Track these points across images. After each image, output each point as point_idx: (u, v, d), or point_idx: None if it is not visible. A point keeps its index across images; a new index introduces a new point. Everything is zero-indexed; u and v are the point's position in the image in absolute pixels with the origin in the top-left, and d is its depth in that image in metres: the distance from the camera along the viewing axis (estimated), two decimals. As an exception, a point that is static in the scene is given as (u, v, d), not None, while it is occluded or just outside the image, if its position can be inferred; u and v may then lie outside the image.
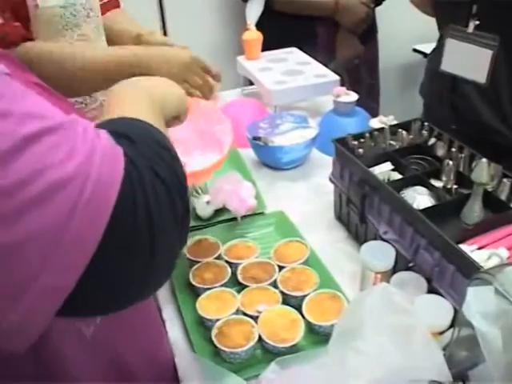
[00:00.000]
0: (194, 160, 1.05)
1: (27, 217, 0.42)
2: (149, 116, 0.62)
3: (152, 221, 0.50)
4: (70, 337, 0.67)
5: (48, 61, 1.10)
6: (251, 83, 1.97)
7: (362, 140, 1.21)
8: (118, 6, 1.60)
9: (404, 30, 2.97)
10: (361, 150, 1.18)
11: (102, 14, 1.39)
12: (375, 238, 1.09)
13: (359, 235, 1.19)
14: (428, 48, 2.98)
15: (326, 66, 1.88)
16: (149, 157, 0.53)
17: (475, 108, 1.51)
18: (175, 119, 0.84)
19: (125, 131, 0.54)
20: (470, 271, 0.86)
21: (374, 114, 2.31)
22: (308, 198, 1.40)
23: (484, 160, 0.99)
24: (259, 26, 1.98)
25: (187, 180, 0.60)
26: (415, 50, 3.06)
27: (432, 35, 3.08)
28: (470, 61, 1.44)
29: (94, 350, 0.71)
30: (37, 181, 0.42)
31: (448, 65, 1.50)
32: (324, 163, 1.46)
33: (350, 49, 2.27)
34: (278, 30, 2.04)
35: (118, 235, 0.48)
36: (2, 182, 0.41)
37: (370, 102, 2.29)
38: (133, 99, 0.68)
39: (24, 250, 0.42)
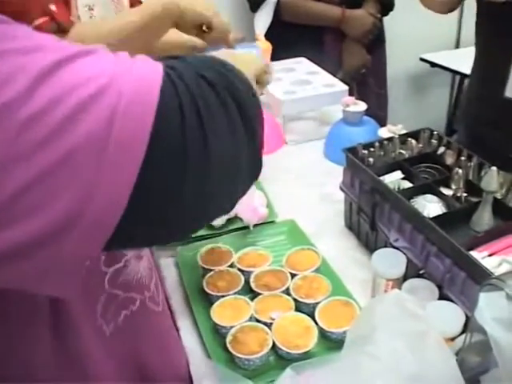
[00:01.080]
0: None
1: (68, 130, 0.41)
2: None
3: (202, 122, 0.48)
4: (89, 334, 0.67)
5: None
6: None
7: (372, 149, 1.23)
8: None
9: (411, 40, 3.00)
10: (371, 159, 1.20)
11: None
12: (386, 246, 1.11)
13: (370, 243, 1.21)
14: (434, 57, 3.02)
15: (333, 75, 1.90)
16: (196, 63, 0.52)
17: None
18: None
19: (174, 56, 0.54)
20: (480, 278, 0.87)
21: (382, 122, 2.34)
22: (318, 207, 1.41)
23: (494, 168, 1.00)
24: (266, 36, 2.00)
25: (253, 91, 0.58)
26: (422, 60, 3.08)
27: (439, 44, 3.12)
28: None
29: (112, 349, 0.72)
30: (71, 95, 0.42)
31: None
32: (334, 172, 1.47)
33: (356, 59, 2.29)
34: (285, 40, 2.05)
35: (166, 135, 0.46)
36: (31, 109, 0.41)
37: (378, 110, 2.30)
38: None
39: (68, 166, 0.42)
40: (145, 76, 0.47)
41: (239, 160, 0.55)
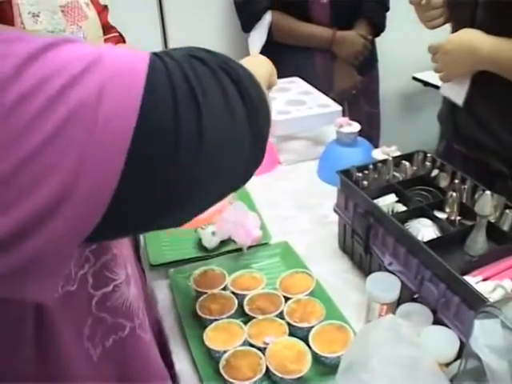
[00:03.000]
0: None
1: (57, 106, 0.42)
2: None
3: (196, 99, 0.47)
4: (75, 356, 0.67)
5: None
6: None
7: (366, 172, 1.23)
8: (121, 41, 1.63)
9: (404, 59, 3.01)
10: (365, 182, 1.19)
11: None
12: (380, 269, 1.10)
13: (364, 265, 1.21)
14: (427, 76, 3.03)
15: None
16: (188, 50, 0.52)
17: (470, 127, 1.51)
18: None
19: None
20: (475, 303, 0.87)
21: (375, 141, 2.35)
22: (312, 228, 1.41)
23: (488, 192, 1.01)
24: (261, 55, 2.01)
25: (249, 74, 0.56)
26: (415, 78, 3.10)
27: (431, 64, 3.13)
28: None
29: (99, 372, 0.71)
30: (58, 75, 0.42)
31: (442, 87, 1.53)
32: (328, 193, 1.46)
33: (347, 80, 2.30)
34: (277, 61, 2.05)
35: (157, 114, 0.45)
36: (20, 86, 0.41)
37: (370, 129, 2.31)
38: None
39: (60, 140, 0.42)
40: (132, 53, 0.47)
41: (239, 138, 0.54)
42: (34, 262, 0.44)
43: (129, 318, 0.77)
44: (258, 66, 0.74)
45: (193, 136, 0.47)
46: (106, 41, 1.55)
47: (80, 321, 0.68)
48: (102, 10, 1.61)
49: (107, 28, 1.61)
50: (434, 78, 3.02)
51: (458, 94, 1.45)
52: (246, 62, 0.61)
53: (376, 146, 1.78)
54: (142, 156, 0.45)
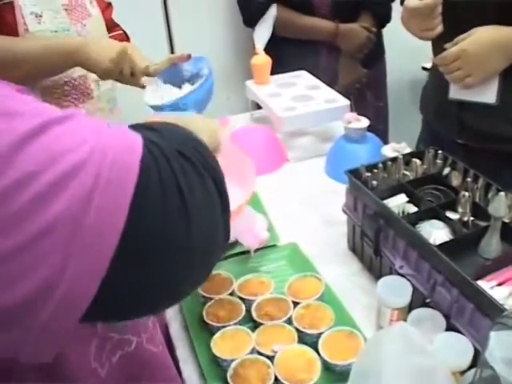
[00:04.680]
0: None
1: (44, 206, 0.40)
2: None
3: (183, 198, 0.48)
4: (84, 376, 0.66)
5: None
6: (260, 107, 1.97)
7: (376, 171, 1.20)
8: (125, 39, 1.61)
9: (412, 49, 2.96)
10: (374, 182, 1.16)
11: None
12: (390, 271, 1.08)
13: (374, 268, 1.18)
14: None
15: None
16: (172, 139, 0.52)
17: (488, 121, 1.49)
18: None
19: (149, 125, 0.54)
20: (489, 309, 0.84)
21: (383, 135, 2.31)
22: (321, 228, 1.38)
23: (502, 193, 0.98)
24: (265, 50, 1.98)
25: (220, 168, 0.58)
26: (424, 68, 3.05)
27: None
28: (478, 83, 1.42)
29: None
30: (47, 170, 0.41)
31: (456, 92, 1.48)
32: (336, 191, 1.43)
33: (351, 73, 2.26)
34: (281, 55, 2.03)
35: (148, 212, 0.46)
36: (7, 180, 0.39)
37: (377, 123, 2.27)
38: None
39: (43, 242, 0.40)
40: (124, 148, 0.46)
41: (217, 233, 0.56)
42: (25, 340, 0.44)
43: (135, 333, 0.76)
44: (203, 130, 0.74)
45: (181, 231, 0.48)
46: (110, 38, 1.53)
47: (86, 342, 0.67)
48: (106, 8, 1.59)
49: (111, 26, 1.60)
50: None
51: (487, 93, 1.42)
52: (191, 126, 0.62)
53: (384, 140, 1.75)
54: (130, 252, 0.45)
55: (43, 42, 1.28)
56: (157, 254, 0.47)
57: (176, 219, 0.48)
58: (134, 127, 0.51)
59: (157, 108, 1.32)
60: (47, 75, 1.34)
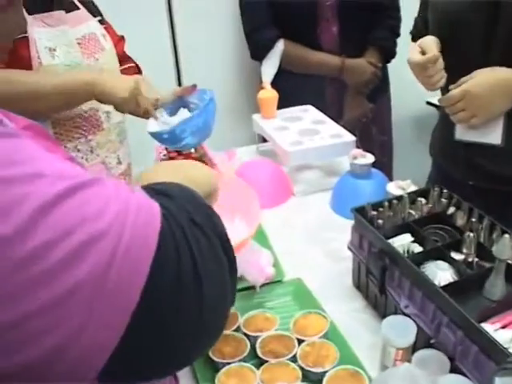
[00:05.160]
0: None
1: (65, 272, 0.42)
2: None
3: (196, 266, 0.50)
4: None
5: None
6: (266, 140, 1.99)
7: (381, 209, 1.21)
8: (138, 72, 1.63)
9: (416, 83, 3.00)
10: (380, 221, 1.18)
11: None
12: (395, 310, 1.08)
13: (379, 305, 1.18)
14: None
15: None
16: (184, 206, 0.54)
17: (495, 162, 1.51)
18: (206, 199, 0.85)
19: (162, 189, 0.56)
20: (493, 353, 0.85)
21: (388, 169, 2.33)
22: (326, 264, 1.39)
23: (506, 236, 0.98)
24: (272, 83, 2.01)
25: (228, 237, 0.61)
26: (428, 103, 3.07)
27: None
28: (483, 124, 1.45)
29: None
30: (70, 237, 0.42)
31: (462, 133, 1.51)
32: (342, 226, 1.44)
33: (357, 108, 2.28)
34: (287, 89, 2.06)
35: (163, 282, 0.47)
36: (31, 244, 0.41)
37: (381, 157, 2.29)
38: (165, 174, 0.71)
39: (65, 305, 0.42)
40: (144, 219, 0.48)
41: (226, 297, 0.58)
42: None
43: None
44: (202, 184, 0.77)
45: (193, 293, 0.51)
46: (122, 71, 1.55)
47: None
48: (118, 41, 1.62)
49: (123, 58, 1.63)
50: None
51: (493, 134, 1.44)
52: (190, 181, 0.66)
53: (389, 174, 1.77)
54: (146, 315, 0.47)
55: (57, 78, 1.31)
56: (171, 315, 0.49)
57: (189, 282, 0.50)
58: (147, 191, 0.54)
59: (155, 135, 1.35)
60: (61, 110, 1.36)
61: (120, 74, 1.49)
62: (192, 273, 0.50)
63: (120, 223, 0.45)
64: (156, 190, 0.55)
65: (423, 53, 1.43)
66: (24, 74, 1.28)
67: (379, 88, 2.32)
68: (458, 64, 1.39)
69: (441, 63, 1.41)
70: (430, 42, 1.44)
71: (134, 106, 1.33)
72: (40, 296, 0.41)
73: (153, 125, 1.37)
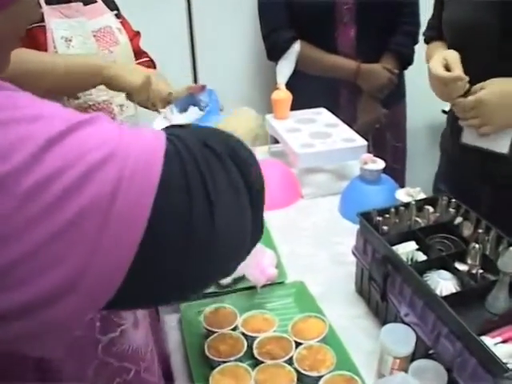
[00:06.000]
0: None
1: (71, 199, 0.42)
2: None
3: (205, 181, 0.49)
4: None
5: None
6: (277, 141, 1.98)
7: (387, 215, 1.20)
8: (152, 66, 1.64)
9: (433, 92, 2.98)
10: (385, 227, 1.16)
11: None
12: (396, 318, 1.07)
13: (380, 312, 1.17)
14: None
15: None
16: (199, 132, 0.54)
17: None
18: None
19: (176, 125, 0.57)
20: (492, 367, 0.83)
21: (400, 176, 2.31)
22: (330, 268, 1.38)
23: (511, 249, 0.97)
24: (286, 84, 2.00)
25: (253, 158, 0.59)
26: (444, 112, 3.05)
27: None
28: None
29: None
30: (74, 166, 0.43)
31: (469, 137, 1.50)
32: (348, 230, 1.43)
33: (370, 113, 2.26)
34: (302, 90, 2.05)
35: (171, 200, 0.47)
36: (37, 175, 0.41)
37: (394, 164, 2.28)
38: None
39: (73, 232, 0.42)
40: (148, 143, 0.48)
41: (244, 228, 0.56)
42: (38, 333, 0.45)
43: (134, 362, 0.76)
44: (239, 128, 0.76)
45: (205, 228, 0.49)
46: (137, 64, 1.56)
47: (84, 364, 0.68)
48: (134, 36, 1.63)
49: (139, 53, 1.63)
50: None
51: (500, 143, 1.42)
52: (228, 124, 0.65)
53: (401, 181, 1.75)
54: (153, 248, 0.47)
55: (72, 57, 1.31)
56: (180, 241, 0.48)
57: (200, 214, 0.48)
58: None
59: None
60: (73, 89, 1.35)
61: (135, 65, 1.49)
62: (202, 192, 0.48)
63: (124, 147, 0.46)
64: (171, 125, 0.56)
65: (447, 66, 1.41)
66: (40, 53, 1.28)
67: (395, 94, 2.31)
68: (469, 72, 1.38)
69: (464, 85, 1.39)
70: (456, 59, 1.40)
71: (146, 97, 1.33)
72: (48, 225, 0.41)
73: (160, 122, 1.37)
